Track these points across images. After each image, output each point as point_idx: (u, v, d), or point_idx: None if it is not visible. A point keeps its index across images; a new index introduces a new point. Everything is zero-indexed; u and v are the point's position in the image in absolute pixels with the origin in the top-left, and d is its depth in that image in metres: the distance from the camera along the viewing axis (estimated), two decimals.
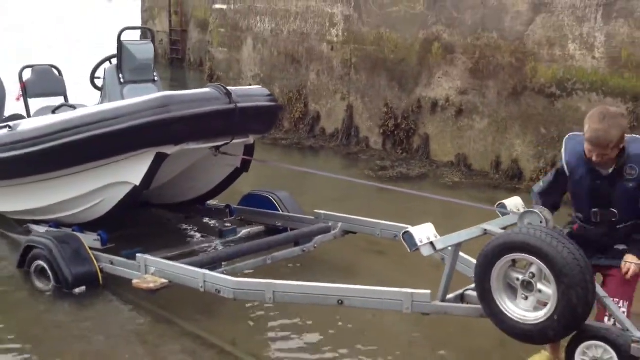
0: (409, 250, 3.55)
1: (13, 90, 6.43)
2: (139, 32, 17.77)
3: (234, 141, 5.05)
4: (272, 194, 6.08)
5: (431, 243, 3.54)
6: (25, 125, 5.20)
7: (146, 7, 22.24)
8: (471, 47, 8.47)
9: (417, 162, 8.90)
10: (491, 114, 8.38)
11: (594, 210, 3.50)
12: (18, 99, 6.14)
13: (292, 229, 5.66)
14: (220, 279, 4.18)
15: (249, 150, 5.42)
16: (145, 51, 5.85)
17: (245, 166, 5.58)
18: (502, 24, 8.12)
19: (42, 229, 5.53)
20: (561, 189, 3.70)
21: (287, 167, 6.63)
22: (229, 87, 5.02)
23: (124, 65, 5.74)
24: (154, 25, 21.93)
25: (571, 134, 3.67)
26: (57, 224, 5.54)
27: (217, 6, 12.11)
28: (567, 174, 3.56)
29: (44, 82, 6.27)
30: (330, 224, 5.48)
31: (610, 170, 3.42)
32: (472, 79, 8.53)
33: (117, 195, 4.95)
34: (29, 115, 5.99)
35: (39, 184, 5.21)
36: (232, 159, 5.37)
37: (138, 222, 5.96)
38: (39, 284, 4.91)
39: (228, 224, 5.94)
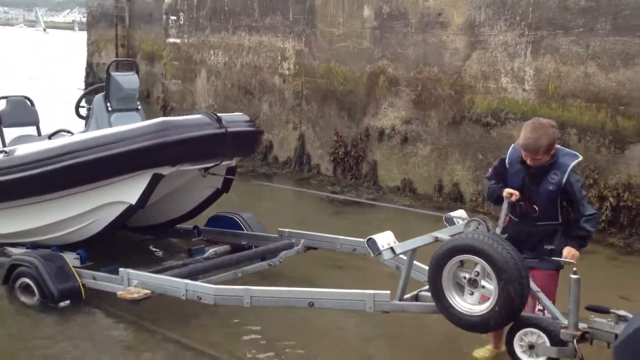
0: (372, 255, 4.10)
1: None
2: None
3: (223, 163, 5.51)
4: (237, 214, 6.53)
5: (391, 248, 4.10)
6: (22, 151, 5.51)
7: (92, 40, 22.47)
8: (414, 80, 9.18)
9: (365, 189, 9.49)
10: (433, 141, 9.07)
11: (519, 202, 4.12)
12: None
13: (256, 247, 6.11)
14: (201, 287, 4.62)
15: (230, 171, 5.88)
16: (131, 82, 6.27)
17: (226, 187, 6.01)
18: (442, 59, 8.86)
19: (19, 250, 5.81)
20: (503, 179, 4.27)
21: (281, 187, 7.01)
22: (218, 114, 5.47)
23: (111, 95, 6.12)
24: (100, 57, 22.21)
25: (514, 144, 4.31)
26: (34, 245, 5.83)
27: (171, 40, 12.57)
28: (507, 166, 4.20)
29: (18, 112, 6.56)
30: (293, 241, 5.97)
31: (538, 170, 4.06)
32: (416, 109, 9.22)
33: (111, 214, 5.30)
34: (4, 145, 6.27)
35: (33, 206, 5.51)
36: (213, 181, 5.80)
37: (111, 243, 6.29)
38: (24, 299, 5.22)
39: (196, 244, 6.35)
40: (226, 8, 11.64)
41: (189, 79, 12.37)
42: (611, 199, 7.41)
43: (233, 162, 5.78)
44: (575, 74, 7.67)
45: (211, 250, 6.11)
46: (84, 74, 23.07)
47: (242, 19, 11.32)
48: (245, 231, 6.39)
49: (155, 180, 5.13)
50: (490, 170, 4.41)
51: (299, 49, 10.54)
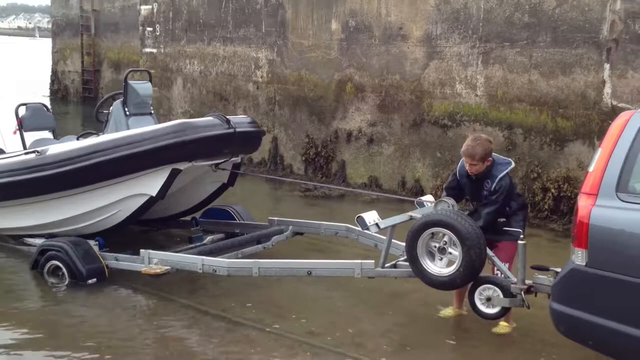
0: (361, 229, 5.04)
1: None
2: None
3: (232, 159, 6.33)
4: (230, 207, 7.37)
5: (376, 224, 5.04)
6: (54, 150, 6.20)
7: (57, 48, 22.84)
8: (378, 87, 10.16)
9: (335, 186, 10.40)
10: (396, 141, 10.05)
11: (473, 202, 5.18)
12: (15, 133, 7.08)
13: (248, 234, 6.94)
14: (216, 261, 5.48)
15: (236, 167, 6.69)
16: (146, 89, 7.00)
17: (232, 181, 6.79)
18: (403, 68, 9.87)
19: (39, 241, 6.48)
20: (458, 187, 5.31)
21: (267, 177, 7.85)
22: (227, 116, 6.27)
23: (128, 100, 6.81)
24: (65, 65, 22.61)
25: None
26: (50, 236, 6.54)
27: (147, 50, 13.31)
28: (458, 177, 5.21)
29: (37, 117, 7.26)
30: (282, 227, 6.84)
31: (474, 178, 5.07)
32: (380, 113, 10.20)
33: (133, 205, 6.04)
34: (24, 147, 6.94)
35: (61, 200, 6.20)
36: (219, 176, 6.58)
37: (118, 234, 7.04)
38: (53, 281, 5.98)
39: (195, 233, 7.15)
40: (201, 20, 12.45)
41: (165, 86, 13.11)
42: (553, 190, 8.47)
43: (239, 159, 6.61)
44: (521, 81, 8.74)
45: (209, 238, 6.88)
46: (49, 81, 23.39)
47: (217, 30, 12.15)
48: (238, 221, 7.23)
49: (174, 174, 5.90)
50: (446, 182, 5.41)
51: (272, 58, 11.43)
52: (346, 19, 10.40)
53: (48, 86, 23.38)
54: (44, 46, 24.34)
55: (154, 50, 13.23)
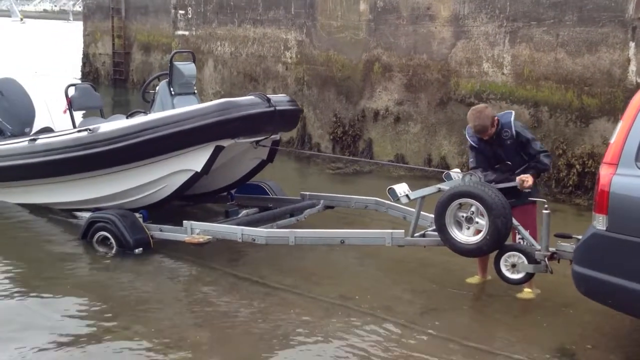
0: (392, 200, 5.34)
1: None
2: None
3: (272, 136, 6.61)
4: (263, 182, 7.68)
5: (407, 195, 5.33)
6: (105, 128, 6.54)
7: (88, 32, 23.26)
8: (405, 67, 10.36)
9: (364, 163, 10.68)
10: (423, 120, 10.27)
11: (497, 166, 5.36)
12: (65, 112, 7.46)
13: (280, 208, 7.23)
14: (254, 231, 5.82)
15: (275, 144, 6.96)
16: (190, 69, 7.33)
17: (271, 157, 7.05)
18: (430, 47, 10.06)
19: (86, 214, 6.86)
20: (483, 157, 5.47)
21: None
22: (267, 95, 6.52)
23: (174, 81, 7.13)
24: (96, 48, 23.04)
25: (467, 126, 5.48)
26: (97, 209, 6.90)
27: (180, 32, 13.64)
28: (476, 147, 5.42)
29: (85, 97, 7.62)
30: (314, 201, 7.14)
31: (494, 138, 5.29)
32: (407, 92, 10.42)
33: (179, 180, 6.35)
34: (74, 126, 7.29)
35: (111, 175, 6.54)
36: (259, 153, 6.87)
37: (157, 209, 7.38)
38: (101, 249, 6.37)
39: (231, 207, 7.47)
40: (232, 3, 12.74)
41: (197, 67, 13.37)
42: (577, 166, 8.66)
43: (278, 136, 6.89)
44: (547, 59, 8.88)
45: (244, 212, 7.19)
46: (80, 63, 23.86)
47: (247, 13, 12.43)
48: (271, 196, 7.55)
49: (217, 151, 6.21)
50: (470, 159, 5.56)
51: (301, 39, 11.68)
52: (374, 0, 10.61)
53: (79, 68, 23.84)
54: (77, 29, 24.70)
55: (186, 33, 13.55)
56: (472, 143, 5.41)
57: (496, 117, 5.33)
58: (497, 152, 5.36)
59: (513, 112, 5.48)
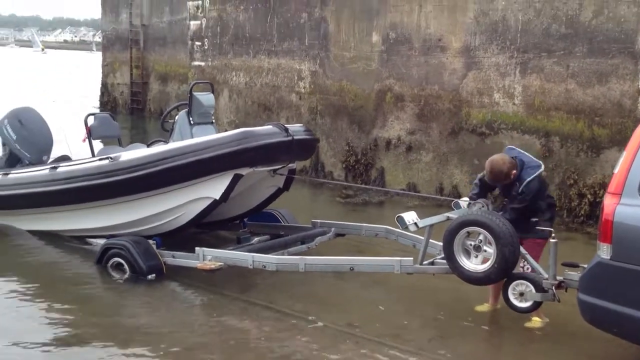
0: (401, 228, 5.39)
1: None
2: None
3: (289, 165, 6.71)
4: (276, 210, 7.76)
5: (415, 223, 5.40)
6: (127, 156, 6.64)
7: (107, 62, 23.72)
8: (417, 97, 10.49)
9: (375, 192, 10.74)
10: (435, 149, 10.36)
11: (505, 199, 5.51)
12: (84, 141, 7.61)
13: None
14: (265, 258, 5.90)
15: (292, 172, 7.04)
16: (209, 100, 7.46)
17: (287, 186, 7.13)
18: (442, 78, 10.19)
19: (101, 241, 6.95)
20: (484, 189, 5.60)
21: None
22: (285, 125, 6.64)
23: (193, 110, 7.27)
24: (114, 78, 23.46)
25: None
26: (111, 236, 7.00)
27: (196, 63, 13.91)
28: (486, 181, 5.51)
29: (104, 126, 7.78)
30: (325, 229, 7.21)
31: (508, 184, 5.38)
32: (419, 122, 10.53)
33: (198, 208, 6.45)
34: (93, 154, 7.41)
35: (130, 203, 6.64)
36: (276, 181, 6.96)
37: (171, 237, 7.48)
38: (115, 275, 6.47)
39: (243, 234, 7.55)
40: (247, 34, 12.99)
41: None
42: (589, 196, 8.69)
43: (295, 165, 6.98)
44: (558, 90, 8.98)
45: (255, 239, 7.26)
46: (98, 93, 24.29)
47: (262, 44, 12.66)
48: (283, 223, 7.62)
49: (236, 179, 6.29)
50: (475, 190, 5.62)
51: (314, 70, 11.87)
52: (386, 31, 10.78)
53: (98, 98, 24.25)
54: (99, 59, 25.15)
55: (202, 64, 13.80)
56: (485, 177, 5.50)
57: (515, 171, 5.30)
58: (503, 189, 5.49)
59: (541, 169, 5.37)
